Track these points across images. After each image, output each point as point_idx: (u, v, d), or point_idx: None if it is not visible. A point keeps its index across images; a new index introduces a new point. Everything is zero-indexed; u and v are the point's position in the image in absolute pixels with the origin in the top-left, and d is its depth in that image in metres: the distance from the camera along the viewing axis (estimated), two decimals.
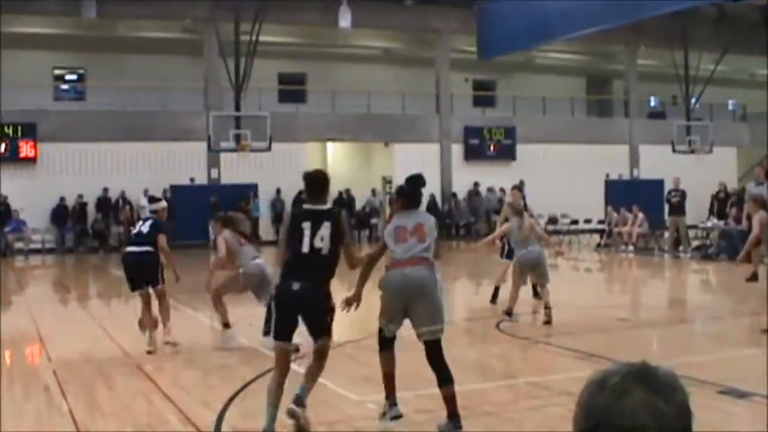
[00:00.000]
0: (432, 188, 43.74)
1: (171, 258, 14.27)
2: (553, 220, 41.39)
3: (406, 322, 9.04)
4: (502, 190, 42.53)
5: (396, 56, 48.14)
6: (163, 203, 15.02)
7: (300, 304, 8.75)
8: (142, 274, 13.93)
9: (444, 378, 8.86)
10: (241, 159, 38.01)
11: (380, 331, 9.24)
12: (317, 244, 8.74)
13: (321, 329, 8.97)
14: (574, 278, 28.76)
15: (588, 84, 54.38)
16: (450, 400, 8.80)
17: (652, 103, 54.79)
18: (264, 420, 8.54)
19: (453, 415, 8.78)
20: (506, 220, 17.74)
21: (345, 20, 37.56)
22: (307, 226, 8.78)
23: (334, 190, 42.51)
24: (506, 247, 18.58)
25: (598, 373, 2.25)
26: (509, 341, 14.84)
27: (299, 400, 8.92)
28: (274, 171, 39.88)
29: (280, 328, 8.91)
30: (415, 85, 45.53)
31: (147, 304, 14.02)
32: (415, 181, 9.63)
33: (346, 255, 9.16)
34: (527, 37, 38.65)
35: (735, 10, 47.05)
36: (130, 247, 14.35)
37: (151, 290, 13.99)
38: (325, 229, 8.77)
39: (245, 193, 39.30)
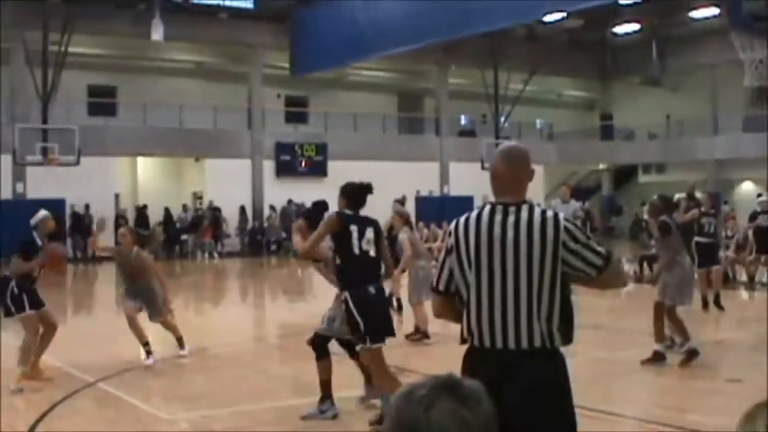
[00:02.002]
0: (243, 204, 43.71)
1: None
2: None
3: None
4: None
5: (209, 70, 47.78)
6: None
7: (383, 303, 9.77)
8: None
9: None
10: (49, 173, 37.07)
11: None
12: (365, 246, 9.30)
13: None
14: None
15: (399, 101, 54.90)
16: None
17: (463, 121, 55.73)
18: None
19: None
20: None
21: (158, 33, 37.03)
22: (354, 229, 9.26)
23: (142, 204, 42.08)
24: None
25: (406, 386, 2.30)
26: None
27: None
28: (82, 186, 38.90)
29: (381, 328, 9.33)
30: (228, 99, 45.23)
31: None
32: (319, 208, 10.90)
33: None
34: (340, 54, 38.98)
35: (543, 33, 48.36)
36: None
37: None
38: (370, 234, 9.35)
39: (52, 208, 38.31)
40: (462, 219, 5.08)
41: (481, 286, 4.89)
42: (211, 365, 14.03)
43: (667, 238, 13.65)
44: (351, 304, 9.13)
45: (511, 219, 4.87)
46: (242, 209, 43.16)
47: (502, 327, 4.81)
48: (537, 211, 4.90)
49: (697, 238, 20.07)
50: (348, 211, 9.41)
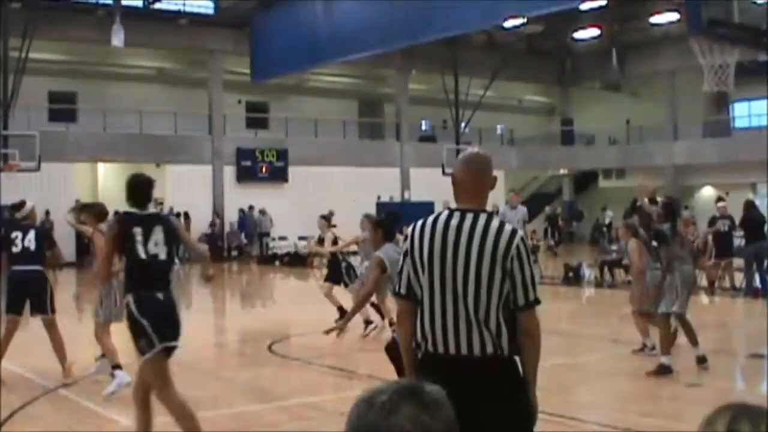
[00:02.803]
0: (204, 210, 43.55)
1: None
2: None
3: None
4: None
5: (169, 76, 47.66)
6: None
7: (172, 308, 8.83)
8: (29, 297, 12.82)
9: None
10: (9, 179, 36.81)
11: None
12: (152, 249, 8.55)
13: None
14: (346, 300, 29.01)
15: (360, 107, 54.95)
16: None
17: (423, 127, 55.77)
18: None
19: None
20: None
21: (118, 39, 36.82)
22: (138, 232, 8.42)
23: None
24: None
25: (367, 391, 2.29)
26: (281, 362, 14.90)
27: None
28: (43, 192, 38.64)
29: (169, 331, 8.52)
30: (188, 105, 45.10)
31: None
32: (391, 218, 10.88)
33: None
34: (299, 59, 38.94)
35: (503, 39, 48.53)
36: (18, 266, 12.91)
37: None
38: (158, 235, 8.55)
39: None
40: (419, 223, 5.12)
41: (433, 290, 4.94)
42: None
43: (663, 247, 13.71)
44: (134, 310, 8.20)
45: (466, 225, 4.92)
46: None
47: (454, 333, 4.86)
48: (495, 221, 4.94)
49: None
50: (133, 210, 8.58)
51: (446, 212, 5.05)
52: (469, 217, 4.94)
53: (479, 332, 4.81)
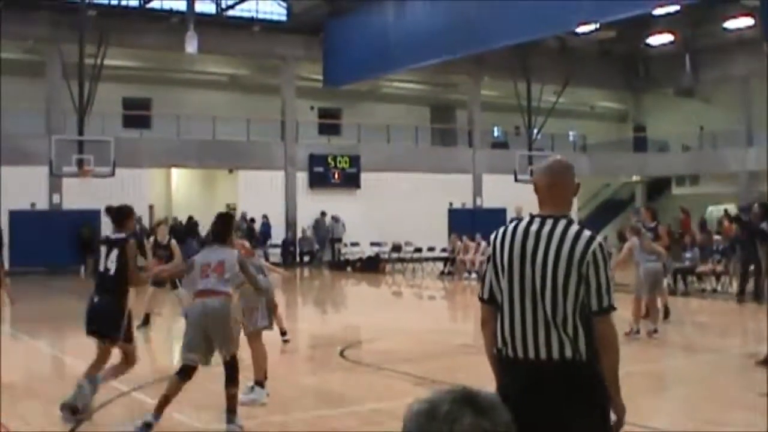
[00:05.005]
0: (277, 215, 43.74)
1: None
2: (396, 248, 41.65)
3: None
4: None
5: (242, 82, 48.01)
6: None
7: None
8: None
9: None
10: (84, 184, 37.30)
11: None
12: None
13: None
14: (417, 306, 29.06)
15: (432, 113, 54.92)
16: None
17: (495, 133, 55.67)
18: None
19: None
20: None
21: (191, 46, 37.17)
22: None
23: (179, 217, 42.27)
24: None
25: (424, 403, 2.32)
26: (352, 368, 14.92)
27: None
28: (117, 197, 38.86)
29: None
30: (261, 111, 45.32)
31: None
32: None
33: None
34: (371, 66, 39.08)
35: (576, 44, 48.27)
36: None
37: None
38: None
39: (88, 219, 38.52)
40: (501, 229, 5.19)
41: (513, 294, 4.99)
42: (242, 376, 14.07)
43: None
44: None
45: (545, 230, 4.97)
46: (251, 219, 42.86)
47: (533, 337, 4.90)
48: (574, 227, 4.98)
49: None
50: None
51: (527, 218, 5.11)
52: (549, 223, 4.99)
53: (558, 336, 4.85)
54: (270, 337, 13.35)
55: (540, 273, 4.90)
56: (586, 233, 4.95)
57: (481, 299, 5.25)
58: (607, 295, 4.91)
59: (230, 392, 10.00)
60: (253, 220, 41.95)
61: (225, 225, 10.52)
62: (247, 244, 13.29)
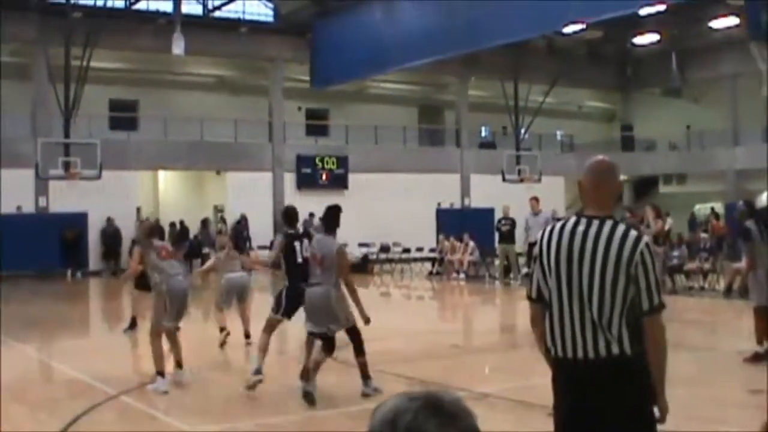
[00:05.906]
0: (264, 217, 43.66)
1: None
2: (385, 249, 41.61)
3: None
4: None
5: (229, 84, 47.91)
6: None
7: None
8: None
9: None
10: (71, 187, 37.16)
11: None
12: None
13: None
14: (406, 306, 29.06)
15: (420, 114, 54.84)
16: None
17: (483, 133, 55.67)
18: None
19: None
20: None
21: (178, 47, 37.03)
22: None
23: (165, 220, 42.16)
24: None
25: (387, 412, 2.25)
26: (343, 369, 14.89)
27: None
28: (104, 199, 38.90)
29: None
30: (249, 113, 45.27)
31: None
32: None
33: None
34: (359, 66, 39.08)
35: (563, 44, 48.34)
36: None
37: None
38: None
39: (75, 221, 38.42)
40: (548, 228, 5.30)
41: (561, 294, 5.09)
42: (234, 378, 14.06)
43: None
44: None
45: (592, 231, 5.06)
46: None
47: (581, 336, 5.00)
48: (620, 227, 5.05)
49: None
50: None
51: (574, 219, 5.22)
52: (595, 223, 5.08)
53: (604, 337, 4.93)
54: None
55: (588, 275, 4.98)
56: (633, 233, 5.03)
57: (530, 298, 5.34)
58: (657, 294, 4.99)
59: (359, 360, 12.44)
60: (239, 222, 41.87)
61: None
62: (169, 246, 13.39)
